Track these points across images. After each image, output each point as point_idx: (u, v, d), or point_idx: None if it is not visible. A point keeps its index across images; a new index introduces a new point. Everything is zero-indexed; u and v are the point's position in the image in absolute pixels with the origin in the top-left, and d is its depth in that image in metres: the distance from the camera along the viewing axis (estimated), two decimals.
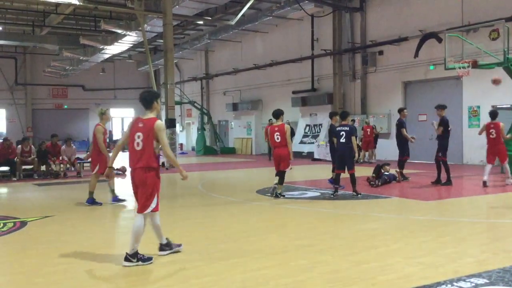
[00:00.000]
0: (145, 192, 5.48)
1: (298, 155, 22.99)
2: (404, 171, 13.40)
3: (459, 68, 13.78)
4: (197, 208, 9.82)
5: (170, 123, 19.18)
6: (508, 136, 12.23)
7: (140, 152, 5.51)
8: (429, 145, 16.89)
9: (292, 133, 19.03)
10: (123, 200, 10.29)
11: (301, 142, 24.63)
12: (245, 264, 5.39)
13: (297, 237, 6.77)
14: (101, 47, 28.39)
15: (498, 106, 17.16)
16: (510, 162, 12.60)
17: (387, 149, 19.95)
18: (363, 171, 14.23)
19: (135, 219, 5.59)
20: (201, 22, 26.76)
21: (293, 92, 26.38)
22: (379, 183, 12.11)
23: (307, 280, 4.79)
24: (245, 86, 30.98)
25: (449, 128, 12.19)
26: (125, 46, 28.91)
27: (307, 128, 25.54)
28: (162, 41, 22.55)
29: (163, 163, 15.86)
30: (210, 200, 10.82)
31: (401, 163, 13.20)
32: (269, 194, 10.77)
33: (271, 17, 24.33)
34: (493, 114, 12.00)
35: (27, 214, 9.00)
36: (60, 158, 16.77)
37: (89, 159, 12.15)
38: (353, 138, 10.43)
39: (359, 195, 10.40)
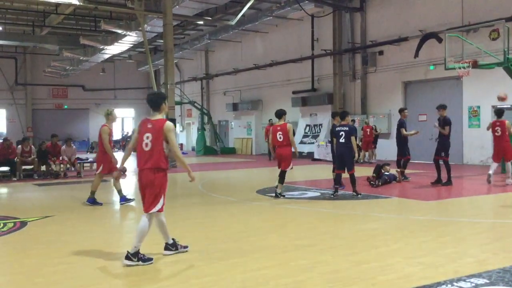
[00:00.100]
0: (153, 192, 5.51)
1: (298, 155, 22.96)
2: (404, 171, 13.39)
3: (459, 68, 13.80)
4: (197, 208, 9.82)
5: None
6: None
7: (149, 153, 5.53)
8: (429, 145, 16.88)
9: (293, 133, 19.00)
10: (132, 200, 10.23)
11: (301, 142, 24.62)
12: (245, 264, 5.39)
13: (297, 237, 6.77)
14: (101, 47, 28.38)
15: (498, 106, 17.15)
16: None
17: (387, 149, 19.94)
18: (363, 171, 14.24)
19: (141, 218, 5.60)
20: (201, 22, 26.75)
21: (293, 92, 26.38)
22: (379, 183, 12.11)
23: (307, 280, 4.79)
24: (245, 86, 30.98)
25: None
26: (125, 46, 28.90)
27: (307, 128, 25.54)
28: (162, 41, 22.56)
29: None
30: (210, 200, 10.82)
31: (404, 163, 13.19)
32: (283, 195, 10.60)
33: (271, 17, 24.33)
34: (499, 112, 12.17)
35: (27, 214, 9.00)
36: (60, 158, 16.77)
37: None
38: (353, 138, 10.42)
39: (359, 195, 10.40)
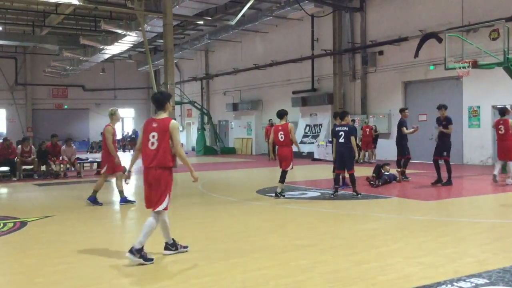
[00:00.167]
0: (159, 191, 5.56)
1: (298, 155, 22.97)
2: (405, 171, 13.39)
3: (459, 68, 13.80)
4: (197, 208, 9.82)
5: None
6: None
7: (155, 151, 5.58)
8: (429, 145, 16.86)
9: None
10: (132, 202, 10.23)
11: (301, 142, 24.56)
12: (245, 264, 5.39)
13: (297, 237, 6.77)
14: (101, 47, 28.39)
15: (498, 106, 17.16)
16: None
17: (387, 149, 19.93)
18: (363, 171, 14.24)
19: (151, 215, 5.62)
20: (201, 22, 26.75)
21: (293, 92, 26.38)
22: (379, 183, 12.11)
23: (307, 280, 4.79)
24: (245, 86, 30.98)
25: None
26: (125, 46, 28.90)
27: (307, 128, 25.54)
28: (162, 41, 22.55)
29: None
30: (210, 200, 10.82)
31: (404, 163, 13.19)
32: (283, 195, 10.61)
33: (271, 17, 24.32)
34: (502, 111, 12.29)
35: (27, 214, 9.00)
36: (60, 158, 16.77)
37: None
38: (352, 138, 10.43)
39: (359, 195, 10.40)
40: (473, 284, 4.51)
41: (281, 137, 10.49)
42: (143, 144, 5.68)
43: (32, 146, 17.24)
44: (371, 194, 10.78)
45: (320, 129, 24.49)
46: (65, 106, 39.75)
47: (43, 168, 16.82)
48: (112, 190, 11.65)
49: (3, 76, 37.09)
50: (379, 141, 20.69)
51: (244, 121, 30.76)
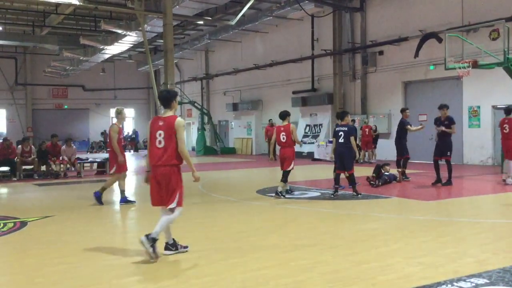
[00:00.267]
0: (170, 188, 5.62)
1: (298, 155, 22.97)
2: (405, 171, 13.38)
3: (459, 68, 13.79)
4: (197, 208, 9.81)
5: None
6: None
7: (162, 149, 5.63)
8: (429, 145, 16.85)
9: None
10: (132, 202, 10.24)
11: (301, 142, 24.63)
12: (245, 264, 5.39)
13: (297, 237, 6.77)
14: (101, 47, 28.37)
15: (498, 106, 17.18)
16: None
17: (387, 149, 19.92)
18: (363, 171, 14.24)
19: (162, 214, 5.70)
20: (201, 22, 26.75)
21: (293, 92, 26.37)
22: (379, 183, 12.11)
23: (307, 280, 4.79)
24: (245, 86, 30.98)
25: None
26: (125, 46, 28.89)
27: (307, 128, 25.53)
28: (162, 41, 22.54)
29: None
30: (210, 200, 10.83)
31: (403, 162, 13.18)
32: (283, 195, 10.62)
33: (271, 17, 24.32)
34: (508, 110, 12.28)
35: (27, 214, 9.00)
36: (60, 158, 16.78)
37: None
38: (352, 138, 10.43)
39: (359, 195, 10.40)
40: (473, 284, 4.51)
41: (283, 138, 10.56)
42: (151, 142, 5.73)
43: (32, 146, 17.24)
44: (371, 194, 10.78)
45: (320, 129, 24.48)
46: (65, 106, 39.74)
47: (43, 168, 16.82)
48: (112, 189, 11.64)
49: (3, 76, 37.08)
50: (379, 141, 20.68)
51: (244, 121, 30.76)
